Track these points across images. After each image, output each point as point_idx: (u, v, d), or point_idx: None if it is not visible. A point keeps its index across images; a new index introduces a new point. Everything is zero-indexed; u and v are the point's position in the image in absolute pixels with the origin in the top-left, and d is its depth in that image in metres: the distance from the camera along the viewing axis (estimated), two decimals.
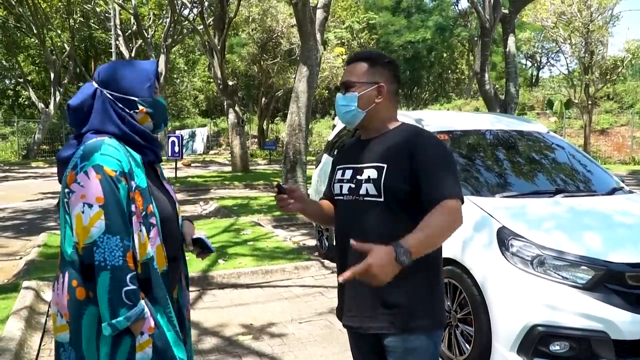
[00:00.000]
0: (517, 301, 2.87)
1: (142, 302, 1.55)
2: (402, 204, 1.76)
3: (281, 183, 1.91)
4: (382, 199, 1.76)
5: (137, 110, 1.65)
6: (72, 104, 1.64)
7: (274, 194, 1.91)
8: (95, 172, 1.50)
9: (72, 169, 1.54)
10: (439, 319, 1.79)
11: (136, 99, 1.64)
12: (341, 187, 1.90)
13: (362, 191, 1.81)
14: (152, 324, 1.57)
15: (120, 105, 1.63)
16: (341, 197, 1.90)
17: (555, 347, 2.76)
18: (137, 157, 1.64)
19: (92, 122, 1.62)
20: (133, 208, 1.56)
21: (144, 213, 1.58)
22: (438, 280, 1.83)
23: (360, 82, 1.84)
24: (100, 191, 1.49)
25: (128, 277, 1.51)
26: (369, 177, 1.80)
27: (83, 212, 1.49)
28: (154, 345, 1.57)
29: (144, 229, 1.57)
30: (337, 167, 1.98)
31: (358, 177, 1.84)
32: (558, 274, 2.85)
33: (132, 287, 1.51)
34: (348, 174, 1.89)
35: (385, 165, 1.78)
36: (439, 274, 1.84)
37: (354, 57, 1.92)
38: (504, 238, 3.05)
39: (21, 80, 27.97)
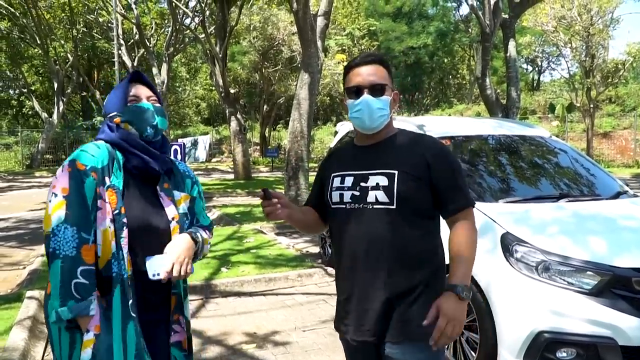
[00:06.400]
0: (522, 307, 2.85)
1: (93, 298, 1.55)
2: (415, 211, 1.74)
3: (266, 188, 1.83)
4: (394, 207, 1.72)
5: (112, 122, 1.74)
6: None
7: (260, 200, 1.83)
8: (68, 166, 1.62)
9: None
10: None
11: (115, 112, 1.75)
12: (341, 195, 1.82)
13: (370, 199, 1.74)
14: (99, 323, 1.56)
15: (111, 123, 1.76)
16: (342, 206, 1.81)
17: (562, 354, 2.74)
18: (122, 160, 1.71)
19: (96, 137, 1.79)
20: (99, 204, 1.60)
21: (116, 211, 1.61)
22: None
23: (389, 85, 1.81)
24: (67, 182, 1.58)
25: (79, 269, 1.53)
26: (377, 184, 1.74)
27: (50, 201, 1.57)
28: (95, 347, 1.54)
29: (112, 225, 1.60)
30: (333, 174, 1.88)
31: (362, 184, 1.77)
32: (563, 280, 2.83)
33: (82, 280, 1.53)
34: (349, 181, 1.81)
35: (395, 172, 1.73)
36: (444, 283, 1.83)
37: (373, 58, 1.83)
38: (508, 243, 3.03)
39: (25, 90, 28.12)
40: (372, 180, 1.75)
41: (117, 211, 1.61)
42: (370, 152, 1.83)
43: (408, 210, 1.72)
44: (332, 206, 1.86)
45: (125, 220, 1.62)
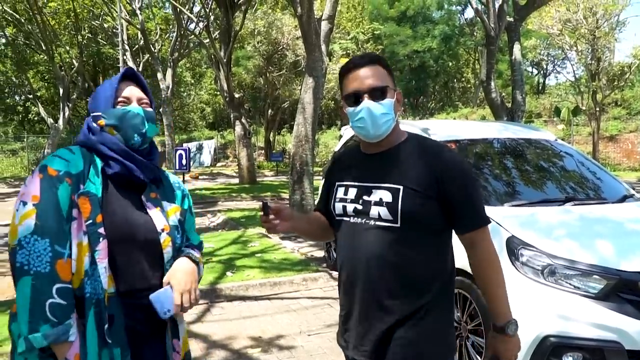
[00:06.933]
0: (528, 312, 2.83)
1: (72, 322, 1.35)
2: (421, 230, 1.59)
3: (266, 202, 1.70)
4: (398, 225, 1.57)
5: (97, 124, 1.56)
6: None
7: (260, 214, 1.72)
8: (39, 172, 1.44)
9: None
10: (451, 346, 1.69)
11: (100, 113, 1.57)
12: (344, 207, 1.69)
13: (373, 214, 1.61)
14: (79, 351, 1.36)
15: (94, 124, 1.58)
16: (346, 219, 1.69)
17: (568, 358, 2.72)
18: (99, 166, 1.51)
19: (75, 140, 1.62)
20: (75, 213, 1.41)
21: (90, 221, 1.41)
22: (451, 308, 1.72)
23: (390, 86, 1.64)
24: (37, 189, 1.40)
25: (55, 288, 1.33)
26: (381, 199, 1.60)
27: (17, 210, 1.38)
28: None
29: (85, 238, 1.40)
30: (337, 183, 1.76)
31: (365, 197, 1.64)
32: (569, 284, 2.82)
33: (59, 300, 1.33)
34: (352, 192, 1.68)
35: (400, 187, 1.58)
36: (452, 302, 1.75)
37: (368, 59, 1.66)
38: (513, 247, 3.02)
39: (31, 96, 28.31)
40: (376, 195, 1.62)
41: (90, 221, 1.40)
42: (376, 161, 1.68)
43: (413, 229, 1.58)
44: (336, 217, 1.75)
45: (101, 231, 1.42)
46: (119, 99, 1.57)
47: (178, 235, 1.64)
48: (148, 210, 1.57)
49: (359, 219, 1.65)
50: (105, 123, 1.55)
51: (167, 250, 1.58)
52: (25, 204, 1.38)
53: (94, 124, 1.56)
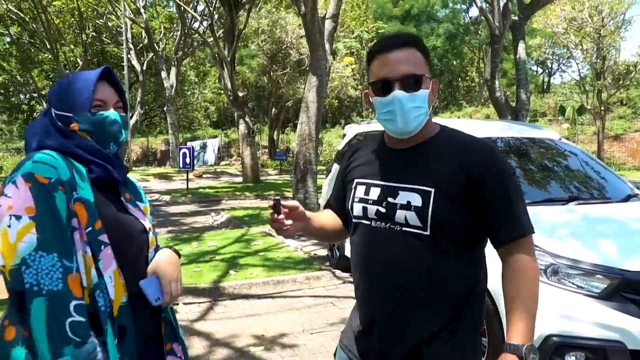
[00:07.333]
0: None
1: (94, 339, 1.25)
2: (453, 239, 1.40)
3: (279, 198, 1.54)
4: (427, 232, 1.38)
5: (69, 128, 1.41)
6: (30, 125, 1.48)
7: (268, 213, 1.54)
8: (24, 181, 1.25)
9: (2, 184, 1.30)
10: None
11: (71, 115, 1.40)
12: (364, 208, 1.49)
13: (399, 219, 1.42)
14: None
15: (59, 123, 1.41)
16: (366, 222, 1.49)
17: (571, 358, 2.72)
18: (83, 170, 1.39)
19: (38, 140, 1.42)
20: (75, 223, 1.29)
21: (89, 229, 1.30)
22: (479, 327, 1.51)
23: (426, 75, 1.42)
24: (31, 200, 1.23)
25: (72, 305, 1.21)
26: (408, 202, 1.40)
27: (10, 227, 1.21)
28: None
29: (88, 248, 1.29)
30: (357, 180, 1.55)
31: (390, 199, 1.44)
32: (572, 283, 2.81)
33: (78, 318, 1.21)
34: (374, 192, 1.48)
35: (432, 190, 1.38)
36: (482, 320, 1.54)
37: (403, 40, 1.43)
38: None
39: (35, 95, 28.47)
40: (403, 197, 1.42)
41: (90, 228, 1.30)
42: (404, 158, 1.48)
43: (444, 238, 1.39)
44: (354, 219, 1.54)
45: (102, 238, 1.32)
46: (95, 102, 1.42)
47: (156, 235, 1.58)
48: (131, 211, 1.49)
49: (382, 224, 1.46)
50: (78, 128, 1.41)
51: (151, 251, 1.50)
52: (19, 217, 1.22)
53: (61, 124, 1.41)
